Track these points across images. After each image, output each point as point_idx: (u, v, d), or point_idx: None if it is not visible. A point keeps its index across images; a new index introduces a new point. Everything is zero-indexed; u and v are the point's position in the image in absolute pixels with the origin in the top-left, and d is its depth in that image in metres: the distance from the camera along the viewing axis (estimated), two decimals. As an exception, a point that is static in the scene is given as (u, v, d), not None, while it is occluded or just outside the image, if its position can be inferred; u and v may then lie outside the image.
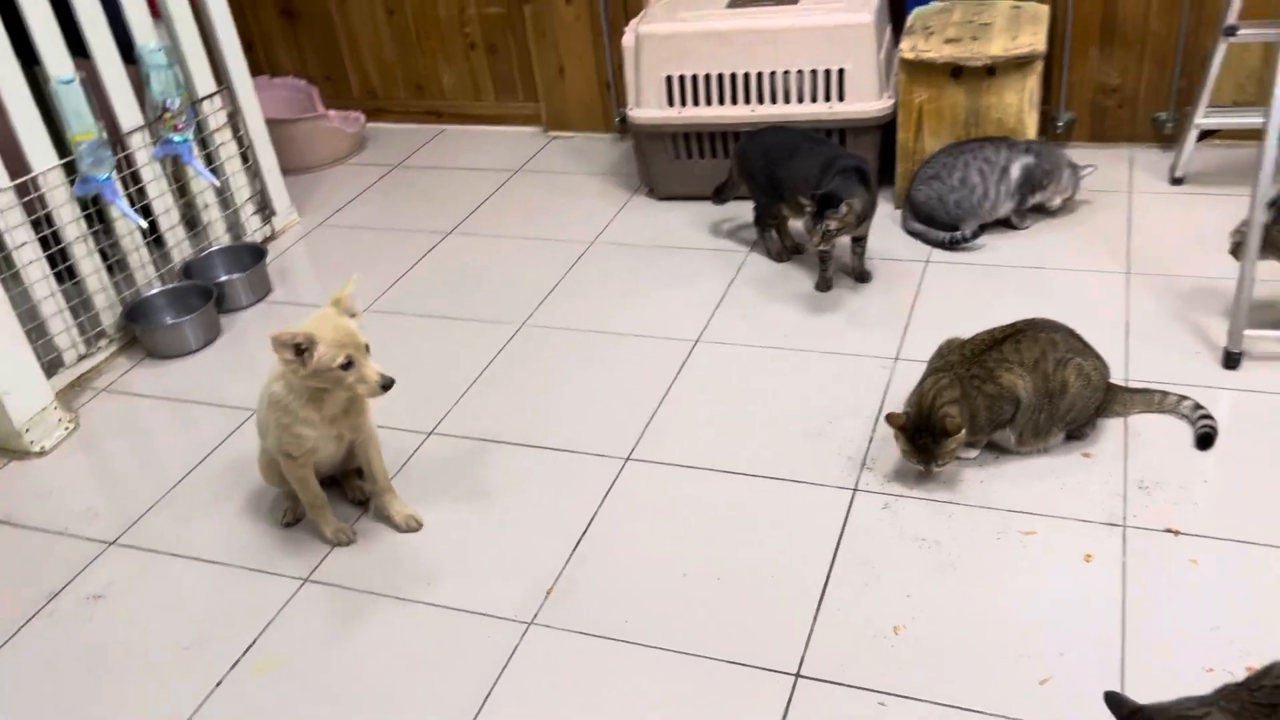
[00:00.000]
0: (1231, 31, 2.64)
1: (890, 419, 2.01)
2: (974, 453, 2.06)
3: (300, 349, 1.78)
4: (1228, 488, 1.94)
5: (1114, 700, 1.42)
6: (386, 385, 1.83)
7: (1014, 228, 2.83)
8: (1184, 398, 2.10)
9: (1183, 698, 1.39)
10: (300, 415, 1.88)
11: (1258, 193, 2.11)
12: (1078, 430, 2.06)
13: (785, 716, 1.61)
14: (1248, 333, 2.20)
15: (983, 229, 2.78)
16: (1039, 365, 1.99)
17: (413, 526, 2.07)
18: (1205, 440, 2.03)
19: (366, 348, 1.84)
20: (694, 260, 2.91)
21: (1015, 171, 2.70)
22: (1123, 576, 1.78)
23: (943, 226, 2.78)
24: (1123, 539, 1.85)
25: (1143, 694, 1.50)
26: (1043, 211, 2.85)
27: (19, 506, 2.26)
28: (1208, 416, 2.06)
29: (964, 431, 1.94)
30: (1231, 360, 2.22)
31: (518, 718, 1.67)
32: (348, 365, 1.80)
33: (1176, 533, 1.85)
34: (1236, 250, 2.23)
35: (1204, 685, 1.38)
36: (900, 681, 1.64)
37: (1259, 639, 1.50)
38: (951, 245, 2.77)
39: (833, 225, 2.48)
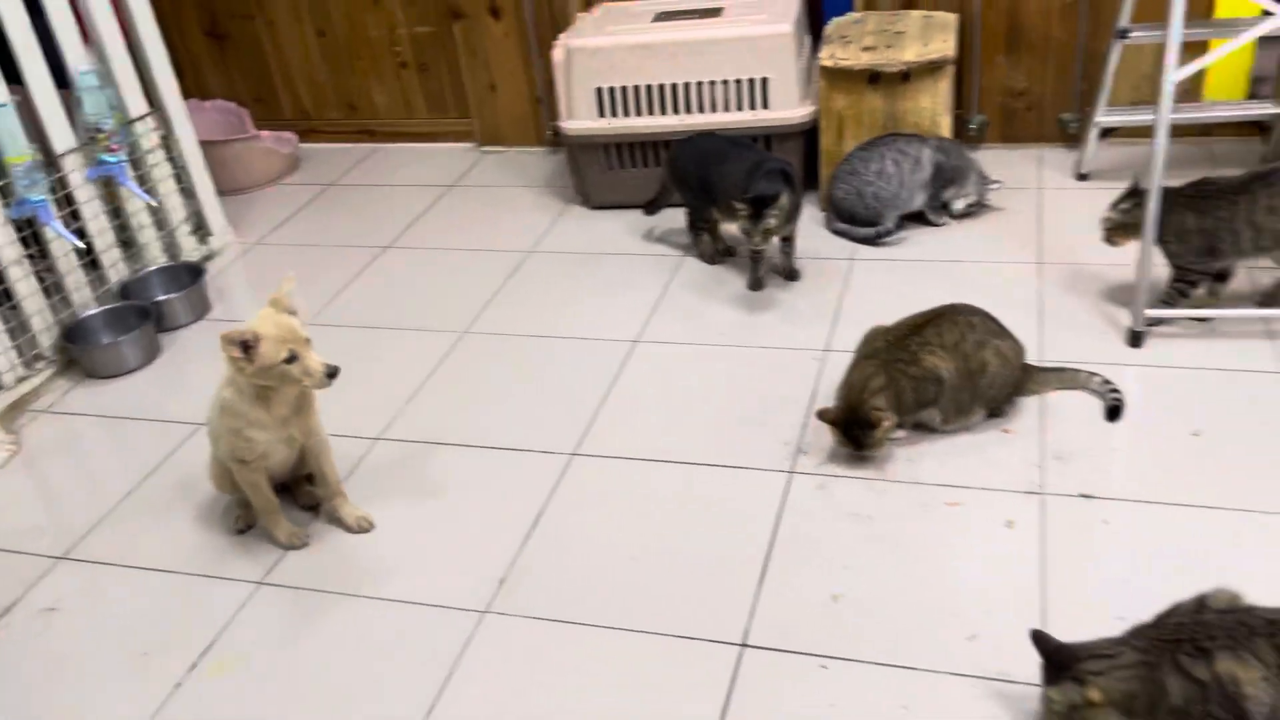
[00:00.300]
0: (1124, 34, 2.81)
1: (821, 415, 2.11)
2: (902, 433, 2.18)
3: (247, 345, 1.83)
4: (1135, 454, 2.08)
5: (1038, 638, 1.53)
6: (332, 373, 1.89)
7: (931, 224, 2.97)
8: (1094, 374, 2.24)
9: (1099, 638, 1.51)
10: (250, 417, 1.92)
11: (1153, 182, 2.26)
12: (997, 408, 2.19)
13: (733, 683, 1.70)
14: (1149, 312, 2.35)
15: (902, 221, 2.91)
16: (959, 347, 2.11)
17: (364, 527, 2.12)
18: (1114, 412, 2.17)
19: (308, 341, 1.89)
20: (630, 266, 3.00)
21: (927, 163, 2.85)
22: (1041, 539, 1.90)
23: (863, 222, 2.91)
24: (1041, 505, 1.97)
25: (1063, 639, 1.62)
26: (948, 213, 2.99)
27: (-37, 527, 2.26)
28: (1116, 391, 2.20)
29: (889, 421, 2.05)
30: (1136, 338, 2.37)
31: (476, 701, 1.73)
32: (291, 359, 1.86)
33: (1090, 497, 1.98)
34: (1108, 236, 2.45)
35: (1118, 633, 1.50)
36: (840, 645, 1.74)
37: (1164, 587, 1.61)
38: (876, 240, 2.90)
39: (772, 222, 2.58)
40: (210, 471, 2.15)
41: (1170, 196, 2.31)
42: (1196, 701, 1.41)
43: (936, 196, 2.91)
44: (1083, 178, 3.13)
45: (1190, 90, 3.17)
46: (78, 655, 1.91)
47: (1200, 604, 1.51)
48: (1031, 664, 1.64)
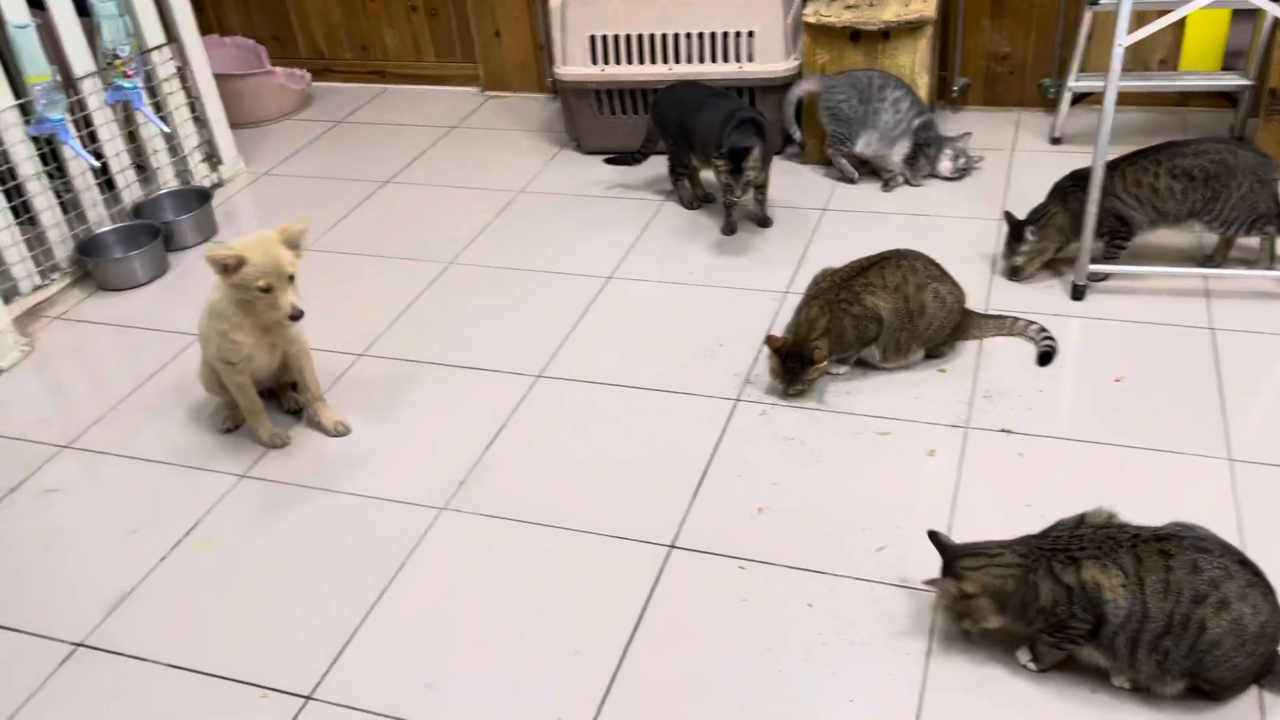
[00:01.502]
0: (1095, 1, 2.91)
1: (769, 340, 2.26)
2: (844, 368, 2.32)
3: (228, 267, 2.00)
4: (1058, 396, 2.22)
5: (934, 536, 1.69)
6: (295, 315, 2.04)
7: (909, 183, 3.08)
8: (1031, 322, 2.38)
9: (987, 540, 1.66)
10: (234, 321, 2.10)
11: (1100, 144, 2.37)
12: (936, 349, 2.33)
13: (659, 577, 1.87)
14: (1091, 267, 2.48)
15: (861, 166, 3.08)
16: (900, 289, 2.25)
17: (341, 431, 2.30)
18: (1045, 358, 2.31)
19: (291, 278, 2.05)
20: (613, 208, 3.15)
21: (905, 108, 2.97)
22: (959, 467, 2.05)
23: (835, 140, 3.05)
24: (964, 438, 2.12)
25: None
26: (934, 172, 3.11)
27: (-23, 416, 2.46)
28: (1050, 338, 2.33)
29: (825, 363, 2.20)
30: (1078, 292, 2.50)
31: (428, 582, 1.91)
32: (267, 290, 2.02)
33: (1010, 432, 2.12)
34: (1012, 274, 2.58)
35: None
36: (759, 550, 1.90)
37: (1063, 513, 1.75)
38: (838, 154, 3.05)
39: (751, 174, 2.72)
40: (200, 374, 2.33)
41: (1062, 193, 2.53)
42: (1063, 603, 1.57)
43: (916, 157, 3.02)
44: (1056, 141, 3.24)
45: (1167, 60, 3.26)
46: (74, 531, 2.11)
47: (1080, 520, 1.66)
48: (929, 572, 1.80)
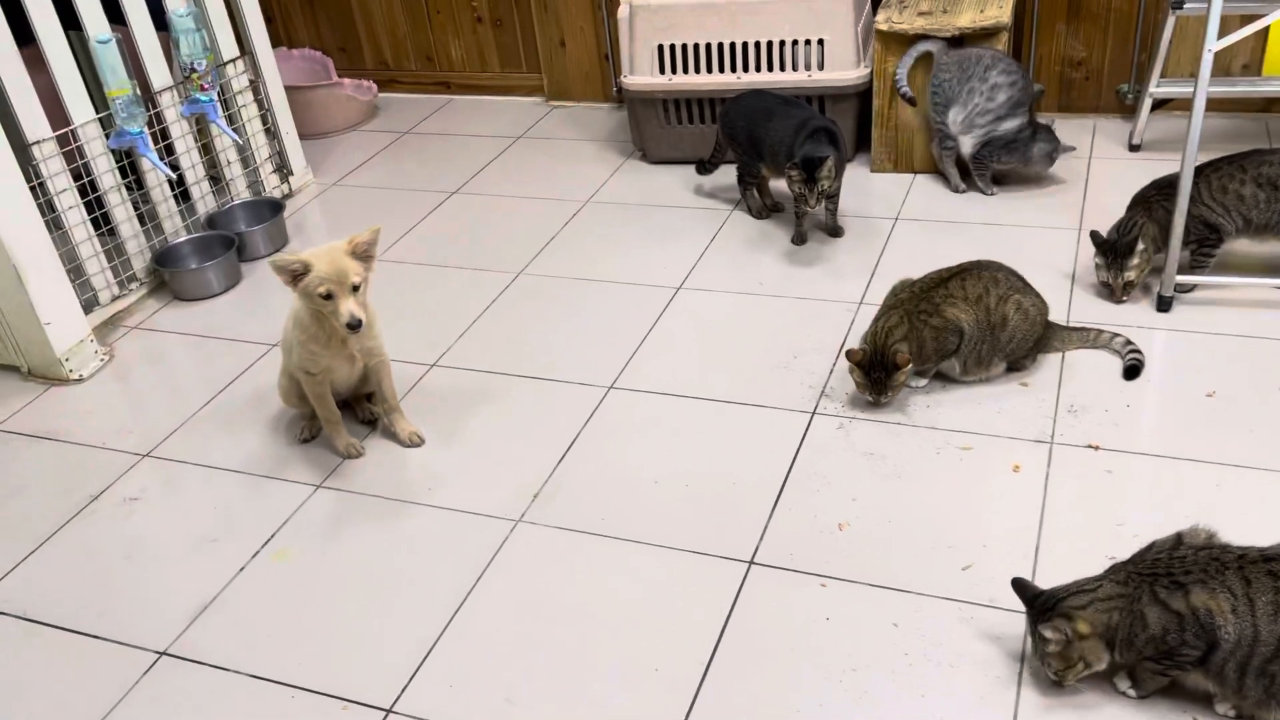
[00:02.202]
0: (1179, 5, 2.83)
1: (850, 355, 2.22)
2: (923, 381, 2.28)
3: (295, 274, 2.02)
4: (1146, 411, 2.15)
5: (1019, 585, 1.63)
6: (352, 325, 2.04)
7: (981, 191, 3.02)
8: (1116, 334, 2.31)
9: (1076, 579, 1.60)
10: (310, 332, 2.11)
11: (1189, 150, 2.30)
12: (1017, 362, 2.28)
13: (739, 594, 1.84)
14: (1179, 279, 2.41)
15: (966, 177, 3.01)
16: (982, 300, 2.21)
17: (416, 442, 2.30)
18: (1132, 371, 2.25)
19: (355, 288, 2.05)
20: (681, 217, 3.13)
21: (1001, 85, 2.88)
22: (1045, 483, 1.99)
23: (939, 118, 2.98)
24: (1049, 453, 2.07)
25: (1052, 575, 1.73)
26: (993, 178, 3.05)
27: (61, 424, 2.50)
28: (1136, 351, 2.27)
29: (911, 365, 2.16)
30: (1164, 304, 2.43)
31: (504, 597, 1.90)
32: (328, 297, 2.03)
33: (1097, 448, 2.06)
34: (1124, 291, 2.47)
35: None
36: (841, 567, 1.87)
37: (1155, 533, 1.69)
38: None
39: (825, 184, 2.69)
40: (279, 385, 2.35)
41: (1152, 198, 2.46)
42: (1173, 630, 1.51)
43: (984, 160, 2.96)
44: (1135, 149, 3.16)
45: (1249, 65, 3.17)
46: (155, 539, 2.13)
47: (1178, 541, 1.61)
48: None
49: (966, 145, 2.96)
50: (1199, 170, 2.39)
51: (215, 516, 2.17)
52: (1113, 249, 2.44)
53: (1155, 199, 2.46)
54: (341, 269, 2.04)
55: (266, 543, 2.09)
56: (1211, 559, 1.54)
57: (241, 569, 2.03)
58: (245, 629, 1.89)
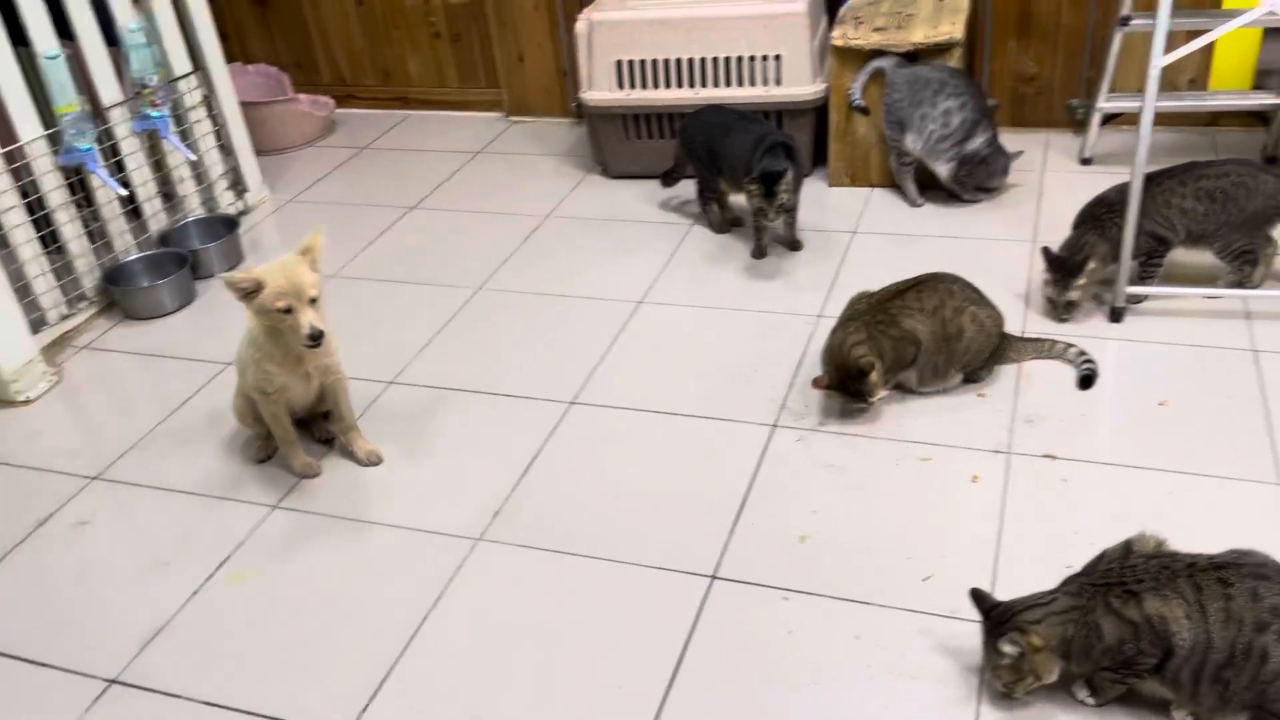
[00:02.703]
0: (1125, 22, 2.89)
1: (816, 383, 2.22)
2: (882, 393, 2.29)
3: (248, 291, 1.98)
4: (1101, 420, 2.18)
5: (976, 596, 1.64)
6: (314, 336, 2.00)
7: (961, 200, 3.06)
8: (1070, 345, 2.34)
9: (1032, 593, 1.61)
10: (266, 350, 2.08)
11: (1137, 165, 2.34)
12: (974, 373, 2.30)
13: (701, 609, 1.83)
14: (1129, 289, 2.44)
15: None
16: (938, 312, 2.22)
17: (374, 461, 2.27)
18: (1086, 381, 2.27)
19: (313, 300, 2.02)
20: (642, 232, 3.13)
21: (953, 107, 2.90)
22: (1003, 493, 2.01)
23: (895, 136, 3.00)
24: (1006, 463, 2.08)
25: (1012, 584, 1.74)
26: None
27: (8, 447, 2.44)
28: (1090, 361, 2.30)
29: (879, 366, 2.16)
30: (1116, 315, 2.47)
31: (465, 616, 1.88)
32: (287, 311, 2.00)
33: (1053, 457, 2.09)
34: (1066, 310, 2.48)
35: (1061, 579, 1.61)
36: (803, 580, 1.87)
37: (1112, 539, 1.71)
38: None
39: (784, 197, 2.70)
40: (234, 404, 2.32)
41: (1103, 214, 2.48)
42: (1129, 639, 1.52)
43: (959, 166, 2.97)
44: (1086, 162, 3.21)
45: (1196, 80, 3.23)
46: (105, 563, 2.09)
47: (1127, 549, 1.62)
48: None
49: (943, 171, 2.99)
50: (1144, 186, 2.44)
51: (168, 539, 2.13)
52: (1063, 266, 2.46)
53: (1107, 217, 2.49)
54: (298, 282, 2.01)
55: (221, 565, 2.05)
56: (1162, 567, 1.55)
57: (195, 593, 1.99)
58: (198, 654, 1.85)
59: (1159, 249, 2.46)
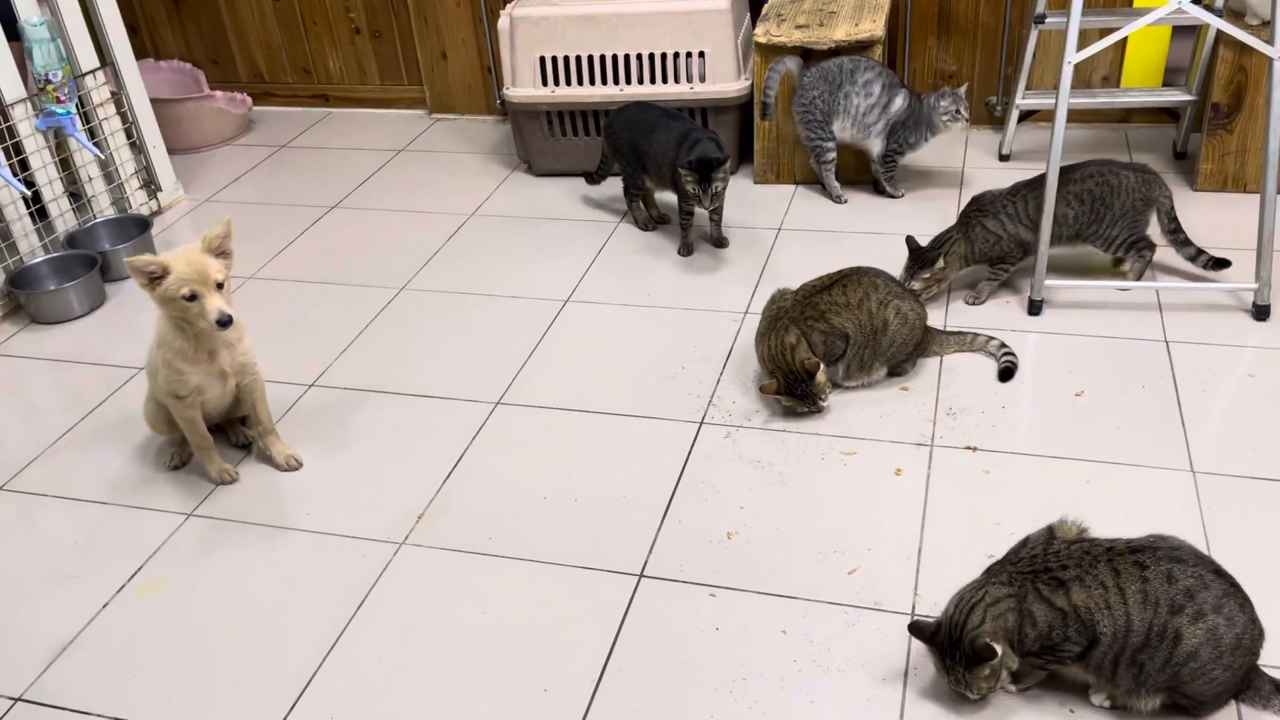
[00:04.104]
0: (1040, 20, 2.94)
1: (764, 389, 2.21)
2: (830, 391, 2.29)
3: (153, 276, 1.92)
4: (1021, 412, 2.21)
5: (916, 628, 1.62)
6: (222, 321, 1.96)
7: (888, 195, 3.09)
8: (991, 338, 2.38)
9: (962, 588, 1.61)
10: (177, 348, 2.02)
11: (1052, 160, 2.39)
12: (898, 366, 2.32)
13: (629, 608, 1.82)
14: (1047, 282, 2.49)
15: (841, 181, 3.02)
16: (863, 305, 2.24)
17: (293, 465, 2.22)
18: (1006, 373, 2.31)
19: (219, 285, 1.97)
20: (568, 230, 3.10)
21: (877, 91, 2.93)
22: (926, 485, 2.03)
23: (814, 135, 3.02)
24: (929, 456, 2.11)
25: (935, 576, 1.76)
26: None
27: (-96, 459, 2.33)
28: (1010, 353, 2.33)
29: (821, 365, 2.17)
30: (1034, 307, 2.51)
31: (388, 622, 1.84)
32: (192, 298, 1.94)
33: (975, 449, 2.11)
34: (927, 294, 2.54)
35: (984, 569, 1.62)
36: (729, 576, 1.86)
37: (1031, 528, 1.74)
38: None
39: (719, 184, 2.69)
40: (145, 411, 2.24)
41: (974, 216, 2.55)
42: (1058, 627, 1.53)
43: (893, 157, 3.01)
44: (1005, 158, 3.27)
45: (1109, 78, 3.31)
46: (8, 577, 2.00)
47: (1049, 536, 1.64)
48: (903, 594, 1.78)
49: (876, 147, 3.01)
50: (1016, 190, 2.52)
51: (76, 550, 2.05)
52: (917, 256, 2.52)
53: (975, 218, 2.54)
54: (201, 268, 1.95)
55: (133, 576, 1.98)
56: (1084, 553, 1.58)
57: (105, 605, 1.92)
58: (109, 668, 1.79)
59: (1016, 254, 2.51)
